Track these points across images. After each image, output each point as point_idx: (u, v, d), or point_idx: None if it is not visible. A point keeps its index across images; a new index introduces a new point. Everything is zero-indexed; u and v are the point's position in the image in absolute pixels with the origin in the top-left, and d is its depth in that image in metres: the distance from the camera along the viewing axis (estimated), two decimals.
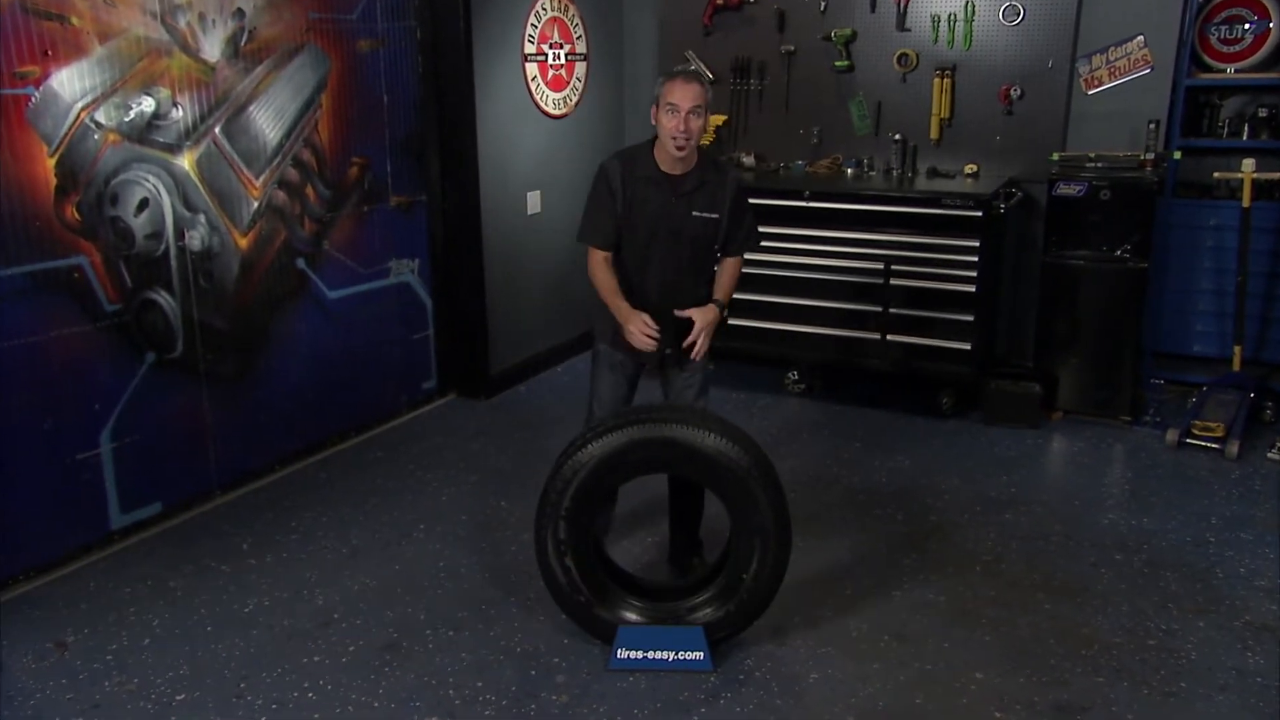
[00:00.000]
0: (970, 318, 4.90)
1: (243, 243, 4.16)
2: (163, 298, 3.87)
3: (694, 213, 3.18)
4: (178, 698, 2.93)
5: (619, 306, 3.18)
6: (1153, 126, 4.94)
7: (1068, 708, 2.86)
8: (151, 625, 3.30)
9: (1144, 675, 3.01)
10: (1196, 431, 4.67)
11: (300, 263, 4.45)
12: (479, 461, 4.65)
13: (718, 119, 5.95)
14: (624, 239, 3.24)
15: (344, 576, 3.61)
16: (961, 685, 2.96)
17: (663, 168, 3.14)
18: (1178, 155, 4.94)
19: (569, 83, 5.80)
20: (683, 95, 3.03)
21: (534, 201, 5.63)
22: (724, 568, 3.08)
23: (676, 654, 3.00)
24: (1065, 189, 4.85)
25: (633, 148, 3.24)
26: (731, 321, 5.45)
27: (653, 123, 3.13)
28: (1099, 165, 4.92)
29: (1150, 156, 4.89)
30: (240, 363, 4.23)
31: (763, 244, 5.25)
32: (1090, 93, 5.18)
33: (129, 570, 3.64)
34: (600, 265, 3.24)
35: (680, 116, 3.02)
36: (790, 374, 5.51)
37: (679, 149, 3.06)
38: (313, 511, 4.11)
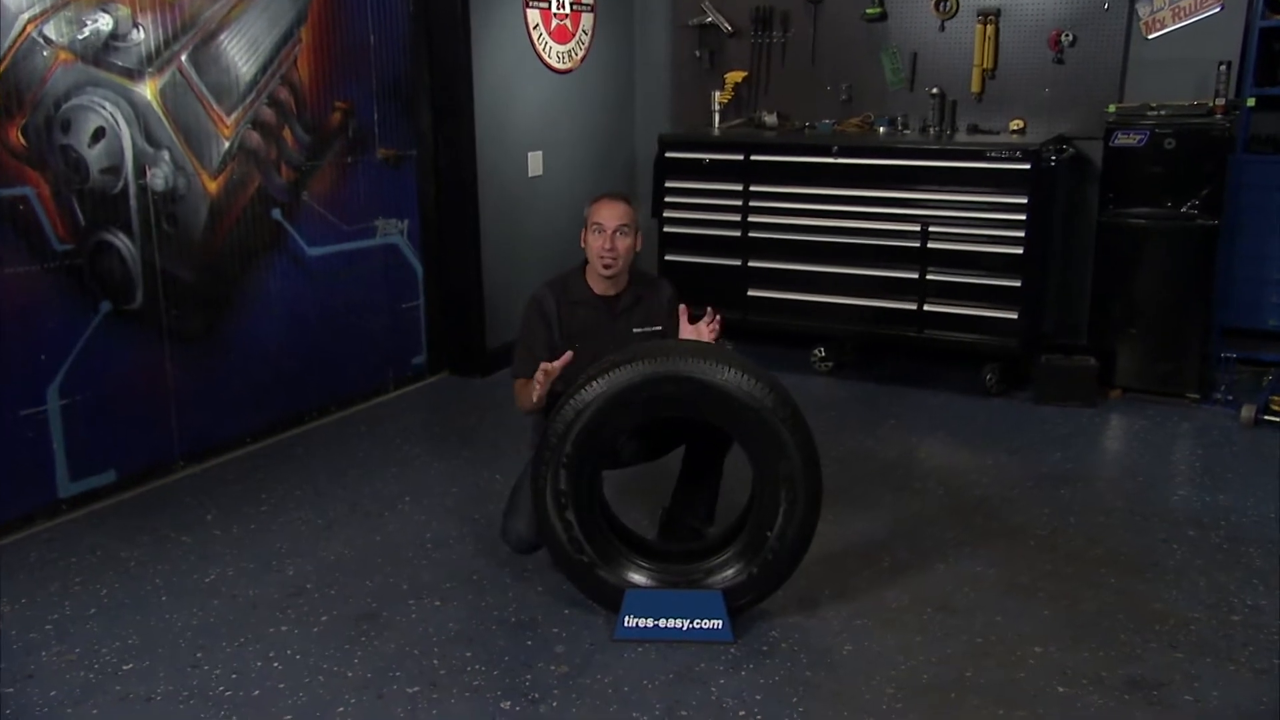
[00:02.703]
0: (1017, 283, 4.74)
1: (212, 186, 4.03)
2: (120, 241, 3.74)
3: (634, 329, 3.25)
4: (124, 667, 2.77)
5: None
6: (1223, 69, 4.76)
7: (1142, 683, 2.67)
8: (99, 595, 3.15)
9: (1229, 651, 2.82)
10: (1275, 408, 4.49)
11: (276, 213, 4.32)
12: (473, 436, 4.49)
13: (737, 75, 5.83)
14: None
15: (319, 547, 3.46)
16: (1018, 658, 2.78)
17: (596, 290, 3.23)
18: (1251, 103, 4.77)
19: (574, 35, 5.69)
20: (608, 215, 3.13)
21: (535, 163, 5.51)
22: (745, 525, 2.91)
23: (691, 622, 2.83)
24: (1124, 138, 4.69)
25: (563, 274, 3.30)
26: (750, 293, 5.32)
27: (581, 245, 3.22)
28: (1161, 114, 4.75)
29: (1221, 102, 4.71)
30: (208, 320, 4.09)
31: (785, 206, 5.24)
32: (1151, 37, 5.02)
33: (77, 540, 3.49)
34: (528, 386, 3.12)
35: (606, 235, 3.11)
36: (817, 350, 5.33)
37: (606, 268, 3.15)
38: (286, 484, 3.96)
